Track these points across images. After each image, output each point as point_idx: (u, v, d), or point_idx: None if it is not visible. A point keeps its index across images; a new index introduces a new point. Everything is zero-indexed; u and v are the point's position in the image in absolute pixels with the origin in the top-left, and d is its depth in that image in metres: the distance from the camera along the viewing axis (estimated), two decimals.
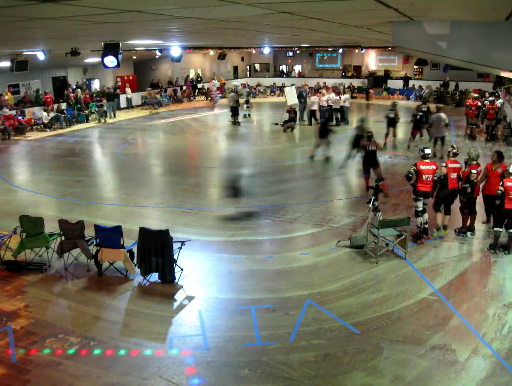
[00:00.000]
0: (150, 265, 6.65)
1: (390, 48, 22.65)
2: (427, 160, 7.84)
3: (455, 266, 7.08)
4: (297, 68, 36.90)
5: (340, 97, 20.00)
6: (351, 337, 5.38)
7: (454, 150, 8.22)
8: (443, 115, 13.90)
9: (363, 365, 4.89)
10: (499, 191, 7.35)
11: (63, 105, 21.48)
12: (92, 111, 22.25)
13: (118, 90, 25.10)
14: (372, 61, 33.90)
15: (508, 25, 5.07)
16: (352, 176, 12.51)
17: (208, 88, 30.09)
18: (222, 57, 23.04)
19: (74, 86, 24.10)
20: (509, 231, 7.38)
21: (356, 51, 26.99)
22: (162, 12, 5.08)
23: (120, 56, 10.08)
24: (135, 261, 6.90)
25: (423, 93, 28.18)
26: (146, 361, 5.01)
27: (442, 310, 5.91)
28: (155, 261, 6.60)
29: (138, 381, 4.74)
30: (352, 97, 29.94)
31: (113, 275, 6.98)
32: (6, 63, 14.91)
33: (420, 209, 7.86)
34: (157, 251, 6.57)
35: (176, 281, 6.70)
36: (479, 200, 8.26)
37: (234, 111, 20.30)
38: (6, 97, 19.97)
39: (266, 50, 21.58)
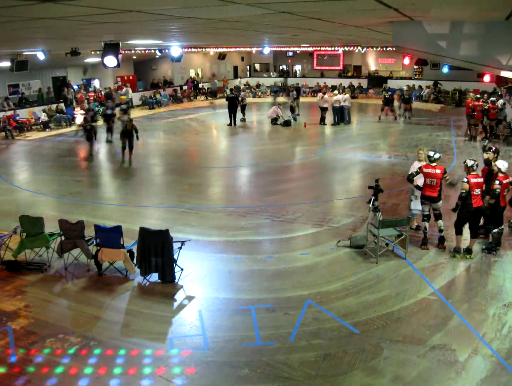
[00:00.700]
0: (150, 265, 6.65)
1: (390, 48, 22.63)
2: (434, 164, 7.44)
3: (455, 266, 7.08)
4: (297, 68, 36.90)
5: (339, 97, 20.06)
6: (351, 337, 5.38)
7: (476, 162, 7.37)
8: None
9: (363, 365, 4.89)
10: (463, 192, 7.06)
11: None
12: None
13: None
14: (372, 61, 33.89)
15: (508, 25, 5.08)
16: (353, 176, 12.52)
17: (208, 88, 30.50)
18: (222, 57, 23.08)
19: (75, 87, 24.15)
20: (488, 227, 7.41)
21: (356, 51, 26.94)
22: (162, 12, 5.09)
23: (120, 56, 10.08)
24: (135, 261, 6.90)
25: (423, 93, 28.22)
26: (146, 361, 5.01)
27: (442, 310, 5.91)
28: (155, 261, 6.60)
29: (138, 381, 4.74)
30: (353, 97, 30.02)
31: (113, 275, 6.98)
32: (6, 63, 14.92)
33: (426, 212, 7.58)
34: (157, 251, 6.57)
35: (176, 281, 6.70)
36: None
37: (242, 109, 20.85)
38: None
39: (266, 50, 21.61)
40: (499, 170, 7.45)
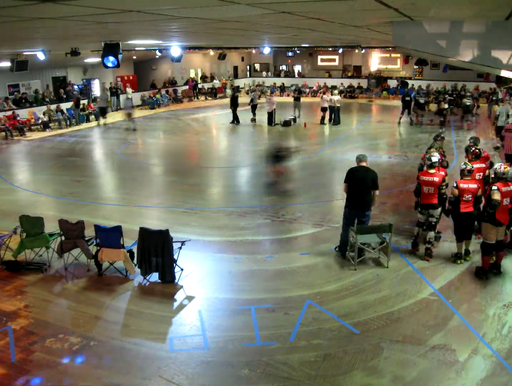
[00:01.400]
0: (150, 265, 6.65)
1: (390, 48, 22.63)
2: (432, 171, 7.12)
3: (455, 266, 7.08)
4: (297, 68, 36.92)
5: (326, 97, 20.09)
6: (351, 337, 5.38)
7: (469, 168, 6.99)
8: None
9: (363, 365, 4.89)
10: (451, 196, 6.88)
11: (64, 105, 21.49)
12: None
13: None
14: (372, 61, 33.90)
15: (508, 25, 5.08)
16: None
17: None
18: (222, 57, 23.07)
19: (76, 87, 24.18)
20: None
21: (356, 51, 26.97)
22: (162, 12, 5.09)
23: (120, 56, 10.08)
24: (135, 261, 6.91)
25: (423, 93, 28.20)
26: (146, 361, 5.01)
27: (442, 310, 5.91)
28: (155, 261, 6.60)
29: (138, 381, 4.74)
30: (353, 97, 30.02)
31: (113, 275, 6.98)
32: (6, 63, 14.92)
33: (422, 220, 7.29)
34: (157, 251, 6.57)
35: (176, 281, 6.70)
36: None
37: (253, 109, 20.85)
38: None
39: (266, 50, 21.61)
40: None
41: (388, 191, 10.24)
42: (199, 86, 31.30)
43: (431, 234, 7.25)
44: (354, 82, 31.89)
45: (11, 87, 21.38)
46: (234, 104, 20.13)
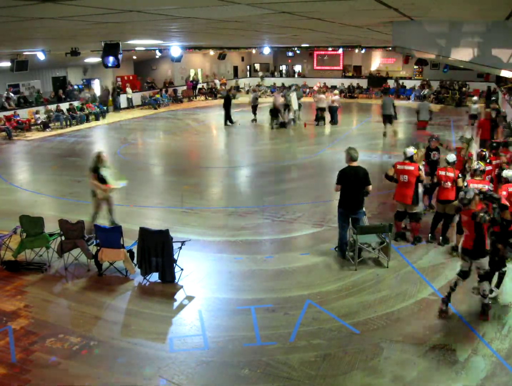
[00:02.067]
0: (150, 265, 6.65)
1: (390, 48, 22.63)
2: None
3: (455, 266, 7.06)
4: (297, 68, 36.93)
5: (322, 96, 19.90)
6: (351, 337, 5.38)
7: (482, 168, 7.13)
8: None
9: (363, 365, 4.89)
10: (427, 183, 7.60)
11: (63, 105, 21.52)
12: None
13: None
14: (372, 61, 33.91)
15: (508, 25, 5.08)
16: None
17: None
18: (222, 57, 23.06)
19: (76, 86, 24.21)
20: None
21: (356, 51, 26.97)
22: (162, 12, 5.09)
23: (120, 56, 10.08)
24: (135, 261, 6.90)
25: (423, 93, 28.21)
26: (146, 361, 5.01)
27: None
28: (155, 261, 6.60)
29: (138, 381, 4.74)
30: (353, 97, 30.04)
31: (113, 275, 6.98)
32: (6, 63, 14.92)
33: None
34: (157, 251, 6.57)
35: (176, 281, 6.70)
36: None
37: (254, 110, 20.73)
38: None
39: (266, 50, 21.59)
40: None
41: (388, 192, 10.23)
42: (199, 86, 31.31)
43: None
44: (355, 82, 31.90)
45: (11, 87, 21.38)
46: (226, 105, 19.77)
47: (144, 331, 5.58)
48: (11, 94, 20.69)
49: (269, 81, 34.47)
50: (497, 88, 25.82)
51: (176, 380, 4.73)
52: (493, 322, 5.63)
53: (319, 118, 19.93)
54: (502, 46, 5.27)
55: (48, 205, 10.28)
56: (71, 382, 4.72)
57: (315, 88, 28.43)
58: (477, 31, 5.48)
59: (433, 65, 29.32)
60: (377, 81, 31.87)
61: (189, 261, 7.08)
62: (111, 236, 6.77)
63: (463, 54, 5.63)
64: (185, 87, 30.28)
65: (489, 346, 5.14)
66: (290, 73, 36.59)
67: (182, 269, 6.83)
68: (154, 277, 6.81)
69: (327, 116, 20.01)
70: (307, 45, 22.00)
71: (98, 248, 6.88)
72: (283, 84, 32.39)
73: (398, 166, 7.70)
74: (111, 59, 10.03)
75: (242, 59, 37.24)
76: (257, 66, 38.59)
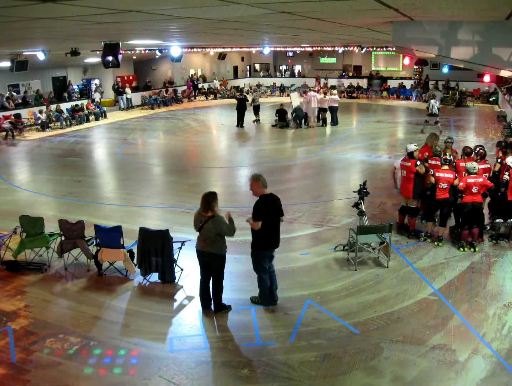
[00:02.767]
0: (150, 265, 6.65)
1: (390, 48, 22.63)
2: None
3: (455, 266, 7.08)
4: (297, 68, 36.93)
5: (326, 97, 19.71)
6: (351, 337, 5.38)
7: (446, 157, 7.71)
8: None
9: (363, 365, 4.89)
10: (429, 183, 7.62)
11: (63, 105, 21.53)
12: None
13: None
14: (372, 61, 33.90)
15: (508, 25, 5.07)
16: (353, 176, 12.52)
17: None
18: (222, 57, 23.07)
19: (76, 87, 24.30)
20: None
21: (356, 51, 26.96)
22: (162, 12, 5.08)
23: (120, 56, 10.08)
24: (135, 261, 6.90)
25: (430, 94, 28.20)
26: (146, 361, 5.01)
27: (442, 310, 5.91)
28: (155, 261, 6.60)
29: (138, 381, 4.74)
30: (353, 97, 30.03)
31: (113, 275, 6.98)
32: (6, 63, 14.93)
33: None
34: (157, 251, 6.58)
35: (176, 281, 6.71)
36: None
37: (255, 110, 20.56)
38: None
39: (266, 50, 21.59)
40: (509, 167, 7.75)
41: (388, 192, 10.24)
42: (199, 86, 31.29)
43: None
44: (354, 82, 31.88)
45: (11, 87, 21.39)
46: (239, 107, 19.44)
47: (144, 331, 5.58)
48: (14, 94, 20.75)
49: (269, 81, 34.47)
50: (497, 88, 25.83)
51: (176, 380, 4.73)
52: (493, 322, 5.63)
53: (322, 120, 19.80)
54: (502, 46, 5.27)
55: (48, 205, 10.28)
56: (71, 382, 4.72)
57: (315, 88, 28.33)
58: (477, 31, 5.48)
59: (433, 65, 29.31)
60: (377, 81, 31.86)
61: (189, 261, 7.08)
62: (111, 236, 6.77)
63: (463, 54, 5.63)
64: (185, 87, 30.25)
65: (489, 346, 5.14)
66: (306, 73, 35.98)
67: (182, 269, 6.83)
68: (154, 277, 6.81)
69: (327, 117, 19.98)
70: (307, 45, 22.01)
71: (98, 248, 6.88)
72: (282, 84, 32.43)
73: (401, 162, 8.02)
74: (111, 59, 10.03)
75: (242, 59, 37.23)
76: (257, 66, 38.59)
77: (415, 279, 6.69)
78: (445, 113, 23.34)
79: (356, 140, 17.16)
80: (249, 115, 20.03)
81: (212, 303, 5.97)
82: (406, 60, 24.26)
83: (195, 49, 21.37)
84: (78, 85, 25.03)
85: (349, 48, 23.72)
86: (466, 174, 7.53)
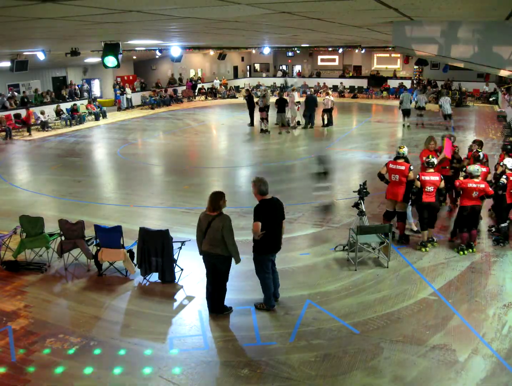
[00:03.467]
0: (150, 265, 6.65)
1: (390, 48, 22.63)
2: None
3: (455, 266, 7.08)
4: (297, 68, 36.94)
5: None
6: (351, 337, 5.38)
7: (431, 160, 7.63)
8: None
9: (363, 365, 4.89)
10: (414, 188, 7.52)
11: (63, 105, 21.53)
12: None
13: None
14: (372, 61, 33.91)
15: (508, 25, 5.07)
16: (353, 176, 12.52)
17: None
18: (222, 57, 23.05)
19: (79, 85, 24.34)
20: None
21: (356, 51, 26.99)
22: (162, 12, 5.08)
23: (120, 56, 10.07)
24: (135, 261, 6.90)
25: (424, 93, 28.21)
26: (146, 361, 5.01)
27: (442, 310, 5.91)
28: (155, 261, 6.60)
29: (138, 381, 4.74)
30: (354, 97, 30.04)
31: (113, 275, 6.98)
32: (6, 63, 14.92)
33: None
34: (157, 251, 6.58)
35: (176, 281, 6.71)
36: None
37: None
38: None
39: (266, 50, 21.57)
40: (506, 167, 7.81)
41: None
42: (199, 86, 31.30)
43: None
44: (354, 82, 31.89)
45: (11, 87, 21.39)
46: (250, 106, 19.39)
47: (144, 331, 5.58)
48: (15, 94, 20.75)
49: (269, 81, 34.47)
50: (496, 88, 25.84)
51: (176, 380, 4.73)
52: (493, 322, 5.63)
53: (325, 121, 19.56)
54: (502, 46, 5.27)
55: (48, 205, 10.28)
56: (71, 382, 4.72)
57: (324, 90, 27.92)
58: (477, 31, 5.48)
59: (433, 65, 29.31)
60: (377, 81, 31.87)
61: (189, 261, 7.08)
62: (111, 236, 6.77)
63: (463, 54, 5.63)
64: (184, 87, 30.25)
65: (489, 346, 5.14)
66: (313, 73, 35.78)
67: (182, 269, 6.83)
68: (154, 277, 6.81)
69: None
70: (307, 45, 21.98)
71: (98, 248, 6.88)
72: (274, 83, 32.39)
73: (391, 166, 7.80)
74: (111, 59, 10.03)
75: (242, 59, 37.24)
76: (257, 66, 38.59)
77: (415, 279, 6.69)
78: None
79: (356, 140, 17.16)
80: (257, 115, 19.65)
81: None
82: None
83: (197, 50, 21.36)
84: (78, 85, 25.03)
85: (348, 48, 23.68)
86: (468, 177, 7.41)
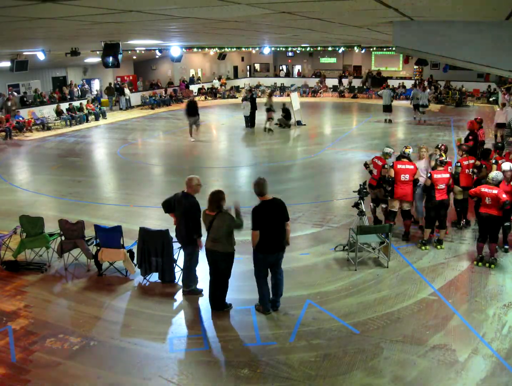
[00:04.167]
0: (150, 265, 6.65)
1: (390, 48, 22.64)
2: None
3: (455, 266, 7.08)
4: (297, 68, 36.95)
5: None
6: (351, 337, 5.38)
7: (442, 158, 7.69)
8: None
9: (363, 365, 4.89)
10: (424, 186, 7.69)
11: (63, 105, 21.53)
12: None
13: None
14: (372, 61, 33.91)
15: (508, 25, 5.07)
16: (353, 176, 12.52)
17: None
18: (222, 57, 23.07)
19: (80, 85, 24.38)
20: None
21: (356, 51, 26.98)
22: (162, 12, 5.08)
23: (120, 56, 10.08)
24: (135, 261, 6.90)
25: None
26: (146, 361, 5.01)
27: (442, 310, 5.91)
28: (155, 261, 6.60)
29: (138, 381, 4.74)
30: (354, 97, 30.05)
31: (113, 275, 6.97)
32: (6, 63, 14.93)
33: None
34: (157, 251, 6.58)
35: (176, 281, 6.70)
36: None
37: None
38: None
39: (266, 50, 21.57)
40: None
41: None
42: (199, 86, 31.29)
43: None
44: (354, 82, 31.88)
45: (11, 87, 21.40)
46: (253, 106, 18.96)
47: (144, 331, 5.58)
48: (15, 94, 20.78)
49: (268, 81, 34.45)
50: (496, 88, 25.83)
51: (176, 380, 4.73)
52: (493, 322, 5.63)
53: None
54: (502, 46, 5.27)
55: (48, 205, 10.28)
56: (71, 382, 4.72)
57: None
58: (477, 31, 5.48)
59: (433, 65, 29.31)
60: (377, 81, 31.86)
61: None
62: (111, 236, 6.77)
63: (463, 54, 5.63)
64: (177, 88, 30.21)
65: (489, 346, 5.14)
66: (316, 74, 35.66)
67: (182, 269, 6.82)
68: (154, 277, 6.81)
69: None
70: (307, 45, 22.00)
71: (98, 248, 6.88)
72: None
73: (399, 166, 7.78)
74: (111, 59, 10.03)
75: (242, 59, 37.24)
76: (257, 66, 38.59)
77: (415, 279, 6.69)
78: (445, 113, 23.36)
79: (356, 140, 17.16)
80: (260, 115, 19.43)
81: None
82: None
83: (194, 49, 21.36)
84: (78, 86, 25.03)
85: (349, 48, 23.67)
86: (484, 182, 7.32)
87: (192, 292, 6.35)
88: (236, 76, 36.34)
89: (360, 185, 7.76)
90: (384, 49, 24.34)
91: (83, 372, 4.86)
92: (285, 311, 5.93)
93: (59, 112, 20.71)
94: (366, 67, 34.07)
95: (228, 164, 14.14)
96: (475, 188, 7.32)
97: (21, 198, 10.79)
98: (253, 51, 30.95)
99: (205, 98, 30.73)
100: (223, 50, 22.08)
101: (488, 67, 5.53)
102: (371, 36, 11.93)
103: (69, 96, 22.94)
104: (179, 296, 6.41)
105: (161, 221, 8.99)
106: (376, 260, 7.30)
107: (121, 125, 21.18)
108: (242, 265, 7.17)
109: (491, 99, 26.67)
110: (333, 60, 35.32)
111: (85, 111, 21.92)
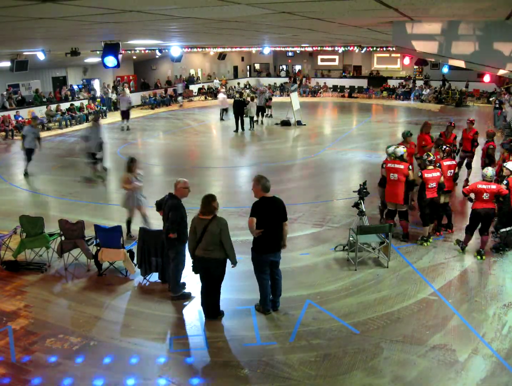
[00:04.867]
0: (150, 265, 6.65)
1: (390, 48, 22.63)
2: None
3: (455, 266, 7.08)
4: (297, 68, 36.94)
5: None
6: (351, 337, 5.38)
7: (431, 158, 7.71)
8: None
9: (363, 365, 4.89)
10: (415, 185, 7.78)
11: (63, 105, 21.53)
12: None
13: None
14: (372, 61, 33.90)
15: (508, 25, 5.07)
16: (353, 176, 12.52)
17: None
18: (222, 57, 23.06)
19: (75, 87, 24.29)
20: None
21: (356, 51, 26.97)
22: (162, 12, 5.08)
23: (120, 56, 10.07)
24: (135, 261, 6.90)
25: (423, 92, 28.20)
26: (146, 361, 5.01)
27: (442, 310, 5.91)
28: (155, 261, 6.60)
29: (138, 381, 4.74)
30: (353, 97, 30.05)
31: (113, 275, 6.97)
32: (6, 63, 14.92)
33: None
34: (157, 251, 6.58)
35: None
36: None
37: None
38: None
39: (266, 50, 21.57)
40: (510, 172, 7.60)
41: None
42: (199, 86, 31.26)
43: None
44: (354, 82, 31.88)
45: (11, 87, 21.39)
46: (237, 110, 18.37)
47: (144, 331, 5.58)
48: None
49: (269, 81, 34.44)
50: (496, 88, 25.80)
51: (176, 380, 4.73)
52: (493, 322, 5.63)
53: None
54: (502, 46, 5.27)
55: (48, 205, 10.28)
56: (71, 382, 4.71)
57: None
58: (477, 31, 5.48)
59: (433, 65, 29.30)
60: (377, 81, 31.88)
61: (189, 261, 7.07)
62: (111, 236, 6.77)
63: (463, 54, 5.63)
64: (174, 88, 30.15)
65: (489, 346, 5.14)
66: (306, 73, 35.78)
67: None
68: (154, 277, 6.81)
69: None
70: (307, 45, 21.99)
71: (98, 248, 6.88)
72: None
73: (389, 165, 7.82)
74: (111, 59, 10.03)
75: (242, 59, 37.22)
76: (257, 66, 38.58)
77: (415, 279, 6.69)
78: (445, 113, 23.37)
79: (356, 140, 17.16)
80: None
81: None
82: (406, 60, 24.20)
83: (195, 49, 21.34)
84: (78, 85, 25.03)
85: (349, 48, 23.61)
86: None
87: (181, 297, 6.26)
88: (236, 76, 36.32)
89: (360, 185, 7.75)
90: (384, 49, 24.30)
91: (83, 372, 4.86)
92: (285, 311, 5.93)
93: (59, 112, 20.69)
94: (366, 67, 34.07)
95: (228, 164, 14.14)
96: (470, 186, 7.48)
97: (21, 198, 10.79)
98: (253, 51, 30.92)
99: (205, 98, 30.72)
100: (223, 51, 22.06)
101: (488, 66, 5.53)
102: (371, 36, 11.93)
103: (69, 96, 22.93)
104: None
105: (161, 221, 8.98)
106: (376, 260, 7.30)
107: (120, 125, 21.15)
108: (242, 265, 7.15)
109: (491, 99, 26.67)
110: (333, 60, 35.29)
111: (85, 111, 21.93)
